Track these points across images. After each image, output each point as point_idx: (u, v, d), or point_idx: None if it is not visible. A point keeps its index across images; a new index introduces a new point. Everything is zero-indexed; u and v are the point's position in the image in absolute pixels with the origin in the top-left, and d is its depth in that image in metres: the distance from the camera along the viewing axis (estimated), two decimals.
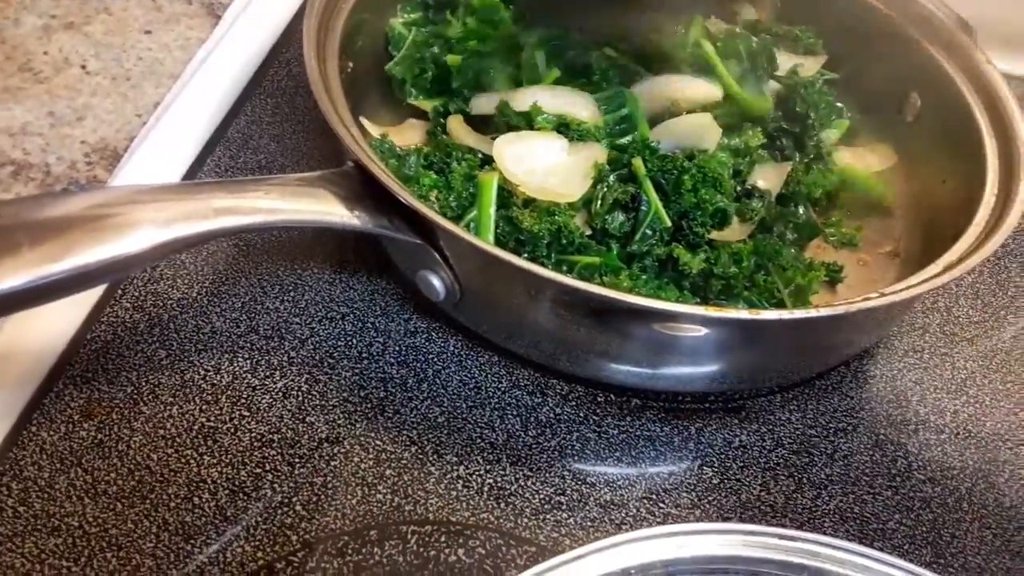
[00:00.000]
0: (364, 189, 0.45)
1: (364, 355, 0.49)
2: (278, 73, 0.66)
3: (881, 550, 0.40)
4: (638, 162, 0.50)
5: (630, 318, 0.44)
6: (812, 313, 0.42)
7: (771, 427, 0.49)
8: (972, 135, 0.56)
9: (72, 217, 0.37)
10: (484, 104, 0.55)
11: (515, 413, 0.48)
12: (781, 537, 0.42)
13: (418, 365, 0.49)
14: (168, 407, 0.46)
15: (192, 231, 0.38)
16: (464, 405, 0.48)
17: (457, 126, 0.55)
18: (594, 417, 0.48)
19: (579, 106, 0.54)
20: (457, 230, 0.43)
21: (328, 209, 0.44)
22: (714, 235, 0.50)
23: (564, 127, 0.52)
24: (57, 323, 0.48)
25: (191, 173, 0.58)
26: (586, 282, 0.43)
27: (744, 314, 0.42)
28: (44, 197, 0.42)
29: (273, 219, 0.42)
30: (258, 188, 0.43)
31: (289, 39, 0.69)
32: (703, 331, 0.44)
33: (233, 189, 0.43)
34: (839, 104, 0.65)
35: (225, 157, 0.59)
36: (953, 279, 0.45)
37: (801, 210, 0.54)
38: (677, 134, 0.53)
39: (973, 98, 0.58)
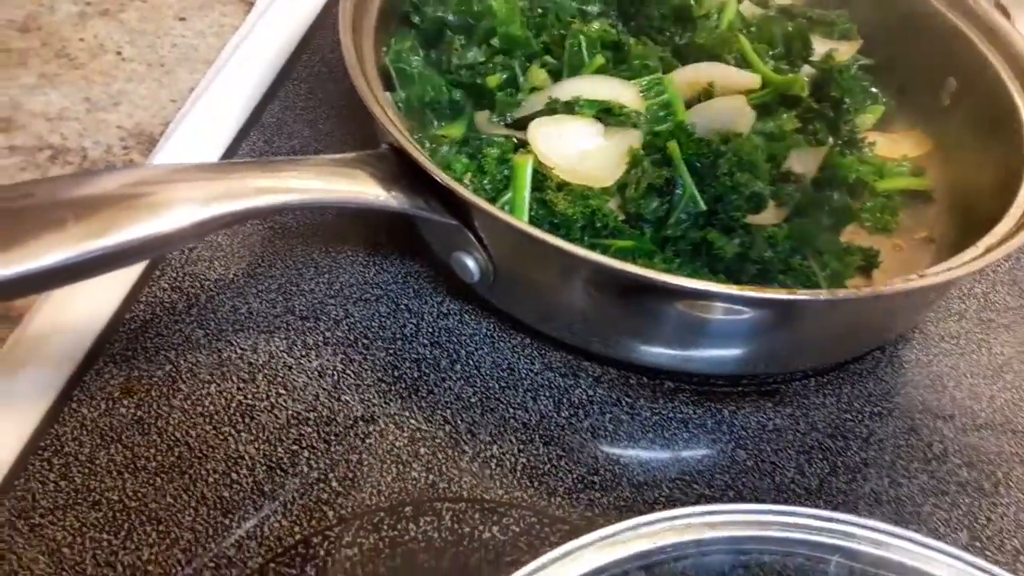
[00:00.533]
0: (400, 170, 0.46)
1: (398, 336, 0.50)
2: (311, 59, 0.67)
3: (916, 532, 0.40)
4: (673, 146, 0.50)
5: (664, 298, 0.44)
6: (849, 294, 0.42)
7: (805, 411, 0.49)
8: (1010, 119, 0.56)
9: (111, 195, 0.37)
10: (525, 108, 0.55)
11: (548, 394, 0.48)
12: (815, 518, 0.42)
13: (451, 346, 0.50)
14: (206, 385, 0.46)
15: (231, 209, 0.39)
16: (497, 386, 0.48)
17: (484, 121, 0.55)
18: (627, 399, 0.48)
19: (623, 93, 0.54)
20: (493, 209, 0.43)
21: (364, 189, 0.44)
22: (749, 219, 0.50)
23: (606, 112, 0.52)
24: (96, 303, 0.49)
25: (226, 157, 0.58)
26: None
27: (780, 294, 0.42)
28: (82, 176, 0.43)
29: (310, 198, 0.42)
30: (295, 168, 0.44)
31: (322, 25, 0.70)
32: (737, 312, 0.44)
33: (270, 169, 0.43)
34: (874, 90, 0.65)
35: (260, 142, 0.60)
36: (992, 263, 0.44)
37: (836, 195, 0.53)
38: (710, 117, 0.53)
39: (1012, 82, 0.57)
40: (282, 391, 0.46)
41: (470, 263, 0.47)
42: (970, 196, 0.57)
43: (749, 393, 0.49)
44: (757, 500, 0.45)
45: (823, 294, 0.42)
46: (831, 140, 0.57)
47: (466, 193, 0.43)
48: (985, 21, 0.60)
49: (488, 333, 0.50)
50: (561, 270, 0.45)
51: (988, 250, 0.45)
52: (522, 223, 0.42)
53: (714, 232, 0.49)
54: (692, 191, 0.49)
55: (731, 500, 0.44)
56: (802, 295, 0.42)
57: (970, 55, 0.60)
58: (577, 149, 0.51)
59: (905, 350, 0.52)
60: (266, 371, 0.47)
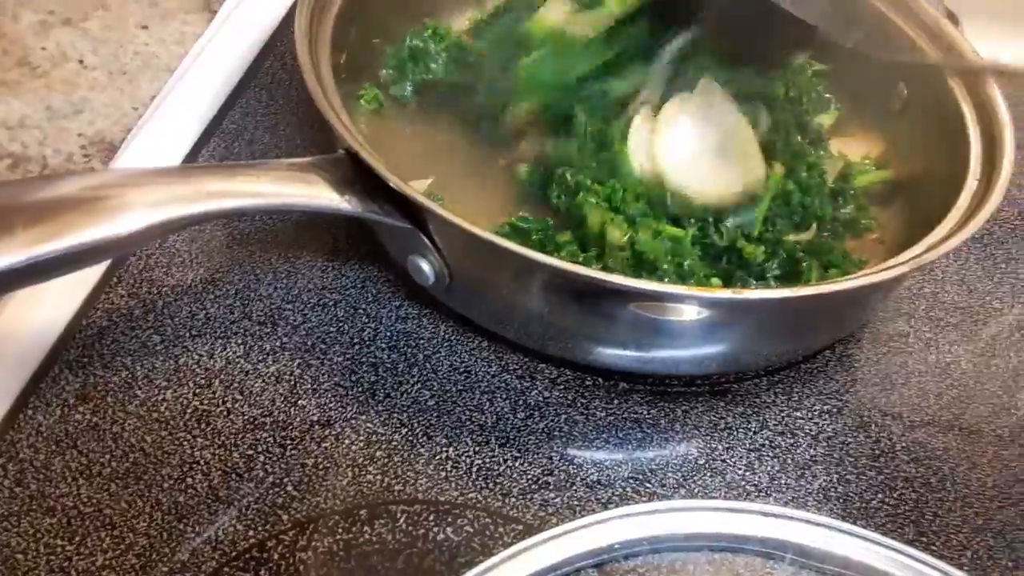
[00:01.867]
0: (355, 175, 0.46)
1: (356, 341, 0.50)
2: (272, 66, 0.67)
3: (864, 528, 0.41)
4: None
5: (617, 299, 0.44)
6: (797, 292, 0.43)
7: (756, 409, 0.50)
8: (956, 123, 0.57)
9: (66, 198, 0.37)
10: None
11: (504, 396, 0.48)
12: (764, 514, 0.43)
13: (409, 350, 0.50)
14: (162, 391, 0.46)
15: (184, 212, 0.39)
16: (454, 389, 0.49)
17: None
18: (582, 400, 0.49)
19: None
20: (445, 213, 0.44)
21: (319, 193, 0.44)
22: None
23: None
24: (53, 309, 0.49)
25: (187, 163, 0.59)
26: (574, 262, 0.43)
27: (729, 293, 0.42)
28: (38, 180, 0.43)
29: (264, 202, 0.43)
30: (250, 173, 0.44)
31: (283, 33, 0.70)
32: (689, 312, 0.45)
33: (225, 173, 0.43)
34: (827, 96, 0.66)
35: (220, 147, 0.60)
36: (932, 259, 0.45)
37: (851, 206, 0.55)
38: None
39: (959, 88, 0.58)
40: (239, 396, 0.47)
41: (425, 266, 0.47)
42: (918, 197, 0.58)
43: (702, 393, 0.50)
44: (708, 498, 0.45)
45: (767, 293, 0.43)
46: (799, 138, 0.58)
47: (418, 197, 0.44)
48: (934, 28, 0.62)
49: (446, 336, 0.51)
50: (514, 273, 0.45)
51: (929, 248, 0.46)
52: (473, 227, 0.43)
53: (742, 239, 0.50)
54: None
55: (683, 498, 0.45)
56: (748, 294, 0.43)
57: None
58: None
59: (855, 349, 0.54)
60: (223, 377, 0.47)
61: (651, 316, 0.45)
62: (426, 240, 0.46)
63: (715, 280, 0.48)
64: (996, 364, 0.54)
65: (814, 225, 0.52)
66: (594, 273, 0.43)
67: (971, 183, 0.51)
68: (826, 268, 0.50)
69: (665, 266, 0.47)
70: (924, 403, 0.51)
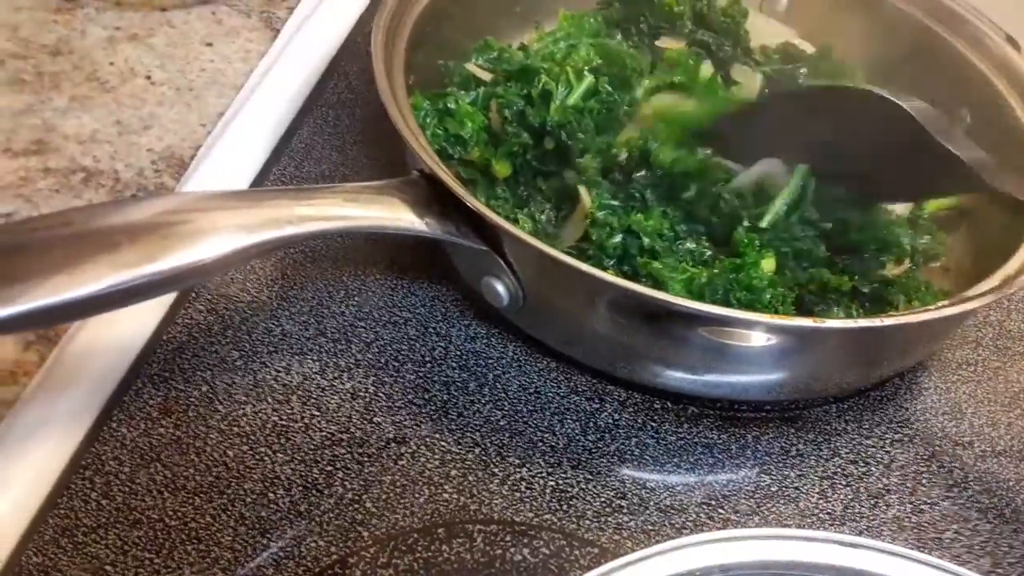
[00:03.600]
0: (431, 196, 0.47)
1: (427, 359, 0.51)
2: (338, 86, 0.68)
3: (939, 558, 0.41)
4: None
5: (690, 324, 0.45)
6: (870, 323, 0.43)
7: (827, 437, 0.50)
8: (1021, 150, 0.57)
9: (150, 223, 0.38)
10: None
11: (574, 418, 0.49)
12: (840, 543, 0.43)
13: (479, 370, 0.51)
14: (242, 406, 0.47)
15: (272, 236, 0.40)
16: (524, 409, 0.49)
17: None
18: (652, 423, 0.49)
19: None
20: (523, 235, 0.44)
21: (399, 215, 0.45)
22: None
23: None
24: (134, 325, 0.50)
25: (257, 182, 0.60)
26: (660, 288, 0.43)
27: (802, 321, 0.42)
28: (118, 203, 0.44)
29: (348, 225, 0.43)
30: (330, 196, 0.45)
31: (346, 53, 0.71)
32: (761, 338, 0.45)
33: (306, 196, 0.44)
34: None
35: (290, 167, 0.61)
36: (1006, 294, 0.45)
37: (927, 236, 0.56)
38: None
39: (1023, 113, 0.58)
40: (316, 412, 0.47)
41: (500, 288, 0.48)
42: (983, 225, 0.58)
43: (772, 419, 0.50)
44: (782, 525, 0.45)
45: (843, 322, 0.43)
46: None
47: (497, 219, 0.45)
48: (996, 53, 0.62)
49: (515, 356, 0.51)
50: (590, 296, 0.46)
51: (1004, 281, 0.46)
52: (552, 250, 0.43)
53: (826, 272, 0.50)
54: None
55: (756, 525, 0.45)
56: (823, 323, 0.43)
57: (983, 87, 0.61)
58: None
59: (923, 377, 0.53)
60: (300, 392, 0.48)
61: (721, 341, 0.46)
62: (501, 262, 0.47)
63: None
64: None
65: (907, 260, 0.52)
66: (668, 297, 0.43)
67: None
68: (909, 300, 0.50)
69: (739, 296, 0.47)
70: (995, 432, 0.51)
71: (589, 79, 0.55)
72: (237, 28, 0.78)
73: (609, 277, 0.43)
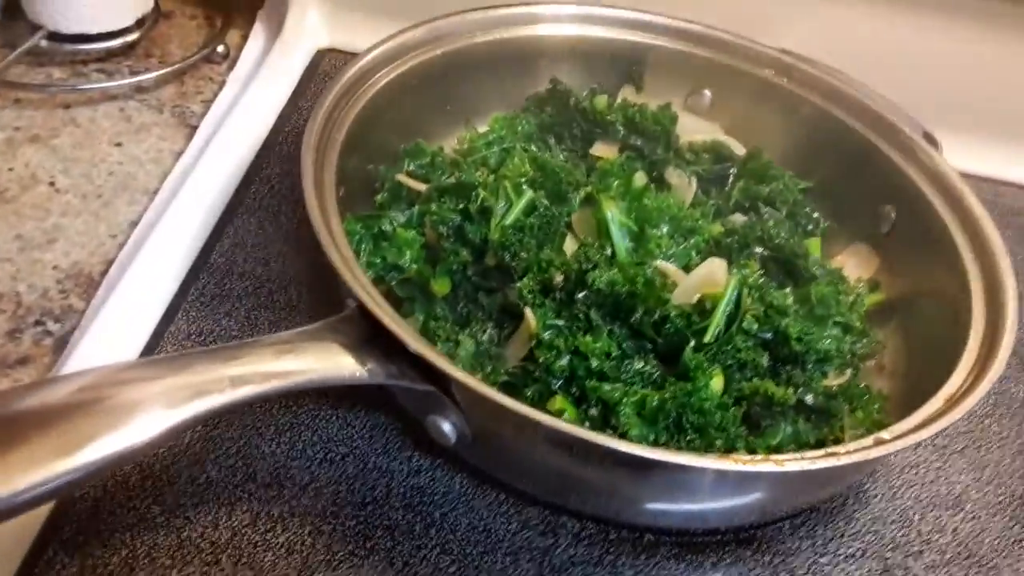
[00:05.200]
0: (370, 333, 0.44)
1: (368, 500, 0.48)
2: (259, 190, 0.65)
3: None
4: None
5: (651, 469, 0.43)
6: (832, 462, 0.42)
7: (784, 557, 0.49)
8: (948, 249, 0.58)
9: (64, 406, 0.34)
10: None
11: (528, 557, 0.47)
12: None
13: (424, 508, 0.48)
14: (167, 570, 0.43)
15: (206, 407, 0.37)
16: (475, 551, 0.47)
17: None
18: (608, 557, 0.47)
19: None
20: (472, 381, 0.42)
21: (339, 364, 0.42)
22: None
23: None
24: None
25: (175, 304, 0.56)
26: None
27: (769, 466, 0.41)
28: (22, 388, 0.39)
29: (287, 383, 0.40)
30: (263, 350, 0.41)
31: (268, 154, 0.68)
32: (713, 481, 0.44)
33: (236, 355, 0.41)
34: (815, 214, 0.66)
35: (211, 285, 0.57)
36: (955, 421, 0.45)
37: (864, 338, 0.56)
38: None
39: (947, 213, 0.59)
40: (249, 574, 0.44)
41: (446, 427, 0.45)
42: (917, 323, 0.58)
43: (728, 542, 0.49)
44: None
45: (801, 463, 0.42)
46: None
47: (443, 364, 0.42)
48: (914, 150, 0.63)
49: (462, 490, 0.49)
50: (540, 438, 0.44)
51: (947, 402, 0.46)
52: (507, 399, 0.41)
53: (770, 384, 0.49)
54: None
55: None
56: (783, 466, 0.42)
57: (903, 185, 0.62)
58: None
59: (869, 484, 0.53)
60: (230, 550, 0.45)
61: (677, 478, 0.44)
62: (450, 402, 0.44)
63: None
64: (1003, 493, 0.54)
65: (849, 370, 0.52)
66: (629, 447, 0.42)
67: (978, 318, 0.52)
68: (854, 410, 0.50)
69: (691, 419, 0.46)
70: (943, 539, 0.51)
71: (528, 195, 0.54)
72: (148, 125, 0.74)
73: (568, 427, 0.41)
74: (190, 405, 0.36)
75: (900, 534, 0.51)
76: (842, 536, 0.50)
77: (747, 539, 0.49)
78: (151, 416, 0.35)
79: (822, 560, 0.49)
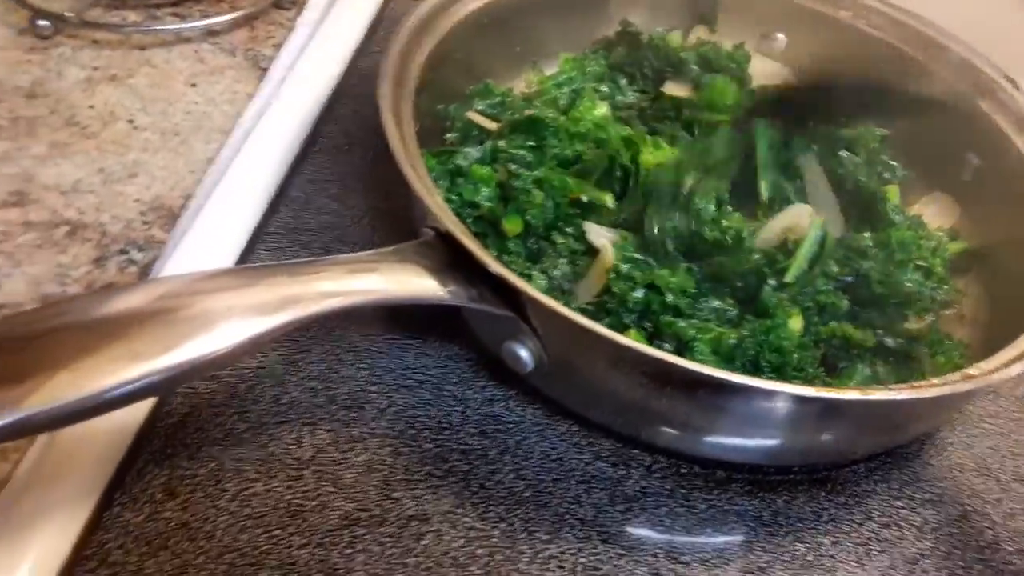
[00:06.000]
0: (451, 260, 0.45)
1: (444, 425, 0.48)
2: (332, 130, 0.66)
3: None
4: None
5: (720, 392, 0.43)
6: (919, 393, 0.42)
7: (858, 499, 0.48)
8: None
9: (154, 310, 0.35)
10: None
11: (601, 487, 0.47)
12: None
13: (499, 435, 0.48)
14: (252, 483, 0.44)
15: (294, 317, 0.37)
16: (548, 478, 0.47)
17: None
18: (681, 491, 0.47)
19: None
20: (551, 302, 0.42)
21: (422, 284, 0.43)
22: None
23: None
24: None
25: (256, 235, 0.57)
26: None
27: (853, 394, 0.41)
28: (119, 290, 0.40)
29: (372, 298, 0.41)
30: (347, 266, 0.42)
31: (340, 96, 0.69)
32: (789, 407, 0.44)
33: (318, 269, 0.41)
34: (893, 163, 0.65)
35: (288, 217, 0.58)
36: None
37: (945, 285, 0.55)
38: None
39: None
40: (331, 489, 0.45)
41: (523, 353, 0.46)
42: (999, 272, 0.57)
43: (801, 482, 0.49)
44: None
45: (886, 393, 0.42)
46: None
47: (523, 284, 0.43)
48: (997, 94, 0.61)
49: (535, 420, 0.50)
50: (619, 363, 0.44)
51: None
52: (588, 321, 0.41)
53: (848, 327, 0.49)
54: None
55: None
56: (869, 394, 0.41)
57: (987, 130, 0.61)
58: None
59: (947, 431, 0.53)
60: (313, 467, 0.46)
61: (752, 409, 0.44)
62: (527, 327, 0.45)
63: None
64: None
65: (929, 316, 0.51)
66: (700, 368, 0.42)
67: None
68: (933, 355, 0.49)
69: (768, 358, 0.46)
70: (1021, 488, 0.50)
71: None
72: (222, 67, 0.75)
73: (642, 347, 0.41)
74: (275, 316, 0.37)
75: (978, 482, 0.50)
76: (918, 481, 0.50)
77: (821, 479, 0.49)
78: (232, 325, 0.35)
79: (898, 503, 0.49)
